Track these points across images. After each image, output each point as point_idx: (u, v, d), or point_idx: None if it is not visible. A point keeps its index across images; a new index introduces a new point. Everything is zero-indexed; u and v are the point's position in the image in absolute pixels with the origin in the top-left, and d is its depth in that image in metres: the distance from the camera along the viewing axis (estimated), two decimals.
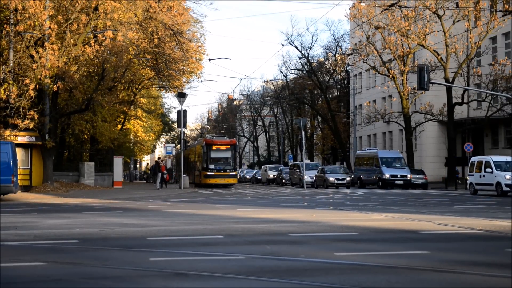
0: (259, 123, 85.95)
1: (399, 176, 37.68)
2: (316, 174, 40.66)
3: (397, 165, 38.81)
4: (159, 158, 51.77)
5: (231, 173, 41.24)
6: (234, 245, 9.29)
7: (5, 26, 29.47)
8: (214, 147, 41.25)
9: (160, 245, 9.26)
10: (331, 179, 37.94)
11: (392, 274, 6.94)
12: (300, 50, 63.11)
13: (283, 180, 48.02)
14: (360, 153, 44.22)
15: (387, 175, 37.55)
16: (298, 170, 43.09)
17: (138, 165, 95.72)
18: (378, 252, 8.53)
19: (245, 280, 6.56)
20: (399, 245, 9.41)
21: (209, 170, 40.48)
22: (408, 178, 37.59)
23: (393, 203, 20.66)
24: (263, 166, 60.09)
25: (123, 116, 46.93)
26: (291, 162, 65.36)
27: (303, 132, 40.39)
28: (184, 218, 14.32)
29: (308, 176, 40.87)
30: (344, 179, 38.32)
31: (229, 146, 41.85)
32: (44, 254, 8.36)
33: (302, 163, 43.42)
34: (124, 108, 44.67)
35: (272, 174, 52.37)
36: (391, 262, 7.61)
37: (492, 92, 37.49)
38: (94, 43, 29.71)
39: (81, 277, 6.78)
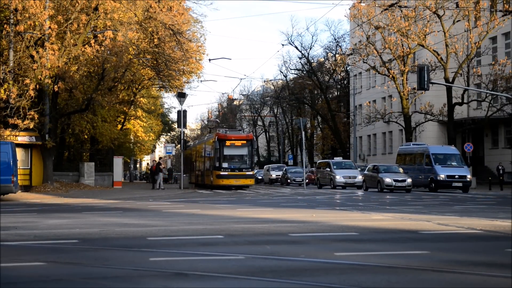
0: (259, 123, 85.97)
1: (457, 176, 31.65)
2: (366, 173, 34.26)
3: (453, 163, 32.83)
4: (160, 158, 51.56)
5: (247, 173, 36.09)
6: (234, 245, 9.28)
7: (5, 26, 29.50)
8: (228, 142, 35.87)
9: (160, 245, 9.26)
10: (388, 180, 31.30)
11: (392, 274, 6.94)
12: (300, 50, 63.32)
13: (288, 181, 45.84)
14: (403, 149, 37.96)
15: (442, 176, 31.70)
16: (328, 169, 38.30)
17: (138, 165, 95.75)
18: (378, 252, 8.53)
19: (245, 280, 6.56)
20: (399, 245, 9.41)
21: (222, 170, 35.44)
22: (468, 180, 31.82)
23: (393, 203, 20.66)
24: (265, 166, 59.03)
25: (123, 116, 46.97)
26: (291, 162, 65.24)
27: (303, 132, 40.17)
28: (184, 218, 14.32)
29: (341, 176, 36.63)
30: (404, 180, 31.43)
31: (245, 142, 36.56)
32: (44, 254, 8.36)
33: (333, 161, 39.80)
34: (124, 108, 44.70)
35: (275, 174, 50.79)
36: (391, 262, 7.61)
37: (492, 92, 37.52)
38: (94, 43, 29.74)
39: (81, 277, 6.77)
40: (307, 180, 46.08)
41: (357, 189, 35.32)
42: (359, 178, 36.24)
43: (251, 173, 36.62)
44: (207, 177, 38.43)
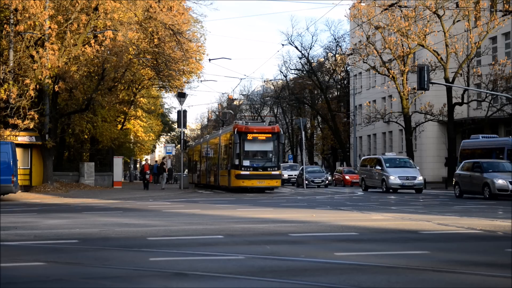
0: None
1: None
2: (460, 173, 25.52)
3: None
4: (164, 158, 51.37)
5: (273, 173, 30.62)
6: (234, 245, 9.29)
7: (5, 26, 29.50)
8: (249, 136, 30.55)
9: (160, 245, 9.26)
10: (501, 182, 22.67)
11: (392, 274, 6.94)
12: (300, 50, 63.27)
13: (306, 182, 40.50)
14: (470, 143, 31.27)
15: None
16: (378, 168, 31.23)
17: (138, 165, 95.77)
18: (378, 252, 8.53)
19: (245, 280, 6.56)
20: (399, 245, 9.41)
21: (243, 168, 30.11)
22: None
23: (393, 203, 20.67)
24: None
25: (123, 116, 46.97)
26: (289, 162, 64.63)
27: (303, 132, 39.98)
28: (184, 218, 14.32)
29: (397, 177, 29.69)
30: None
31: (270, 135, 31.04)
32: (44, 254, 8.36)
33: (385, 157, 32.48)
34: (124, 108, 44.71)
35: (287, 174, 45.66)
36: (391, 262, 7.61)
37: (492, 92, 37.51)
38: (94, 43, 29.76)
39: (81, 277, 6.77)
40: (327, 181, 41.91)
41: (416, 193, 29.27)
42: (419, 179, 30.02)
43: (277, 172, 31.00)
44: (222, 177, 33.24)
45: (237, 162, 30.33)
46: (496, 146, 28.67)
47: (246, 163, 30.29)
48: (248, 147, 30.75)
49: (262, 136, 30.99)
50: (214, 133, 40.49)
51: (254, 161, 30.76)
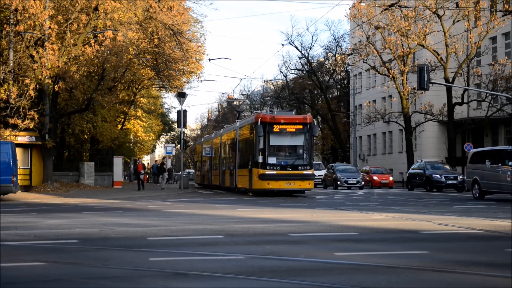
0: None
1: None
2: None
3: None
4: (164, 158, 51.30)
5: (305, 172, 25.41)
6: (234, 245, 9.29)
7: (5, 26, 29.51)
8: (276, 127, 25.41)
9: (160, 245, 9.26)
10: None
11: (392, 274, 6.93)
12: (300, 50, 63.17)
13: (338, 182, 36.53)
14: None
15: None
16: (501, 164, 22.24)
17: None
18: (378, 252, 8.53)
19: (245, 280, 6.56)
20: (399, 245, 9.41)
21: (268, 167, 25.13)
22: None
23: (393, 203, 20.66)
24: None
25: (123, 116, 47.00)
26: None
27: None
28: (184, 218, 14.32)
29: None
30: None
31: (301, 127, 25.70)
32: (44, 254, 8.36)
33: None
34: (124, 108, 44.74)
35: None
36: (391, 262, 7.61)
37: (492, 92, 37.50)
38: (94, 43, 29.77)
39: (81, 277, 6.77)
40: (363, 182, 38.15)
41: None
42: None
43: (309, 172, 25.70)
44: (241, 178, 28.40)
45: (260, 159, 25.35)
46: None
47: (272, 160, 25.30)
48: (275, 141, 25.75)
49: (291, 128, 25.76)
50: (229, 126, 35.98)
51: (282, 158, 25.81)
